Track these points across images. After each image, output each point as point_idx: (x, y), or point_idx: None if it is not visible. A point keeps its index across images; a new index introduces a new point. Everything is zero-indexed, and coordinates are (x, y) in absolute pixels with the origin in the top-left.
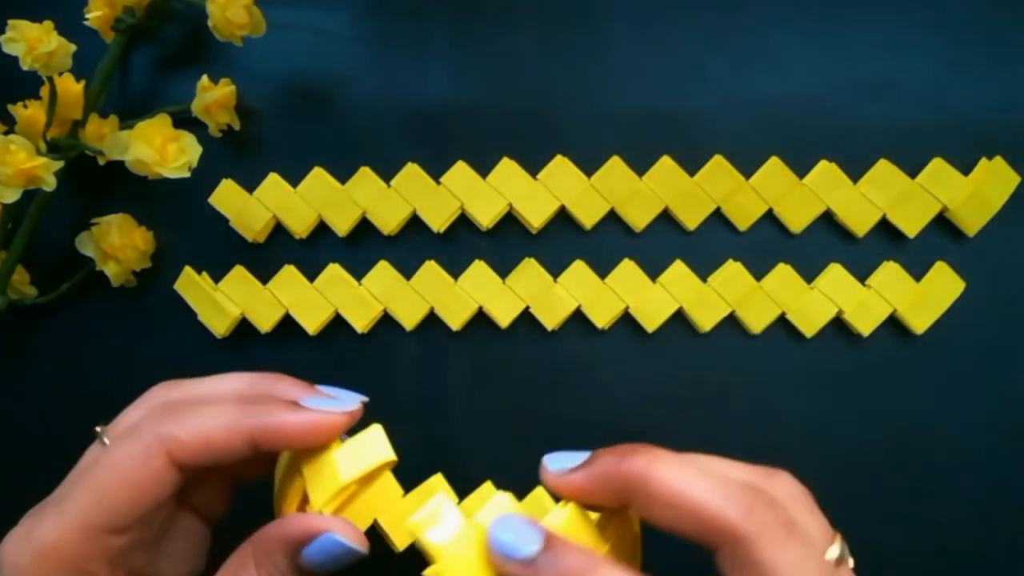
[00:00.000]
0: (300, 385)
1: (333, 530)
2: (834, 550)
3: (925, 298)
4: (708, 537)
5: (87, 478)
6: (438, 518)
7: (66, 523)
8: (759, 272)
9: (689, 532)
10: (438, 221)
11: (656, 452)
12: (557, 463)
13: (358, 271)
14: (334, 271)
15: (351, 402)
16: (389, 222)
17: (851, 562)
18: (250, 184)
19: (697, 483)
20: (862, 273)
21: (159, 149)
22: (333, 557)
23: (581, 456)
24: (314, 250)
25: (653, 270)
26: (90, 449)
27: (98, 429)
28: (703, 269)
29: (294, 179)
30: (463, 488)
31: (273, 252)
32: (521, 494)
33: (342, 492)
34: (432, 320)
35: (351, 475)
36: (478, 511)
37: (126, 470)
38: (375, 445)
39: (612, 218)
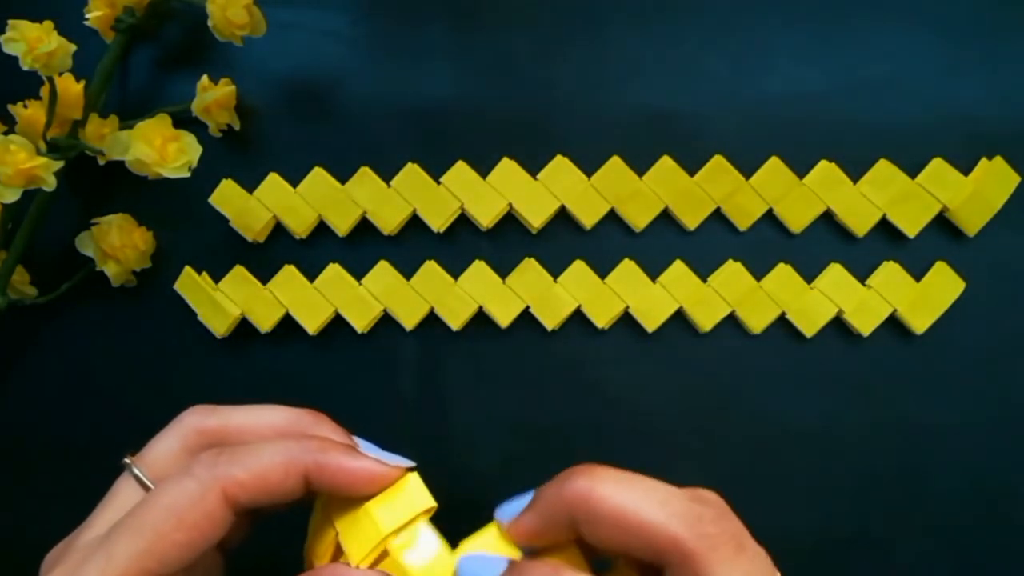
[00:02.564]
0: (342, 430)
1: None
2: None
3: (925, 298)
4: (657, 556)
5: (136, 520)
6: (416, 542)
7: (114, 570)
8: (759, 272)
9: (637, 552)
10: (438, 221)
11: (598, 471)
12: (506, 513)
13: (358, 271)
14: (334, 271)
15: (403, 459)
16: (389, 222)
17: None
18: (250, 184)
19: (642, 500)
20: (862, 273)
21: (159, 149)
22: None
23: (527, 497)
24: (314, 250)
25: (653, 270)
26: (119, 482)
27: (127, 460)
28: (703, 269)
29: (294, 179)
30: (463, 488)
31: (273, 252)
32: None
33: (381, 544)
34: (432, 320)
35: (391, 526)
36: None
37: (182, 512)
38: (414, 494)
39: (612, 218)
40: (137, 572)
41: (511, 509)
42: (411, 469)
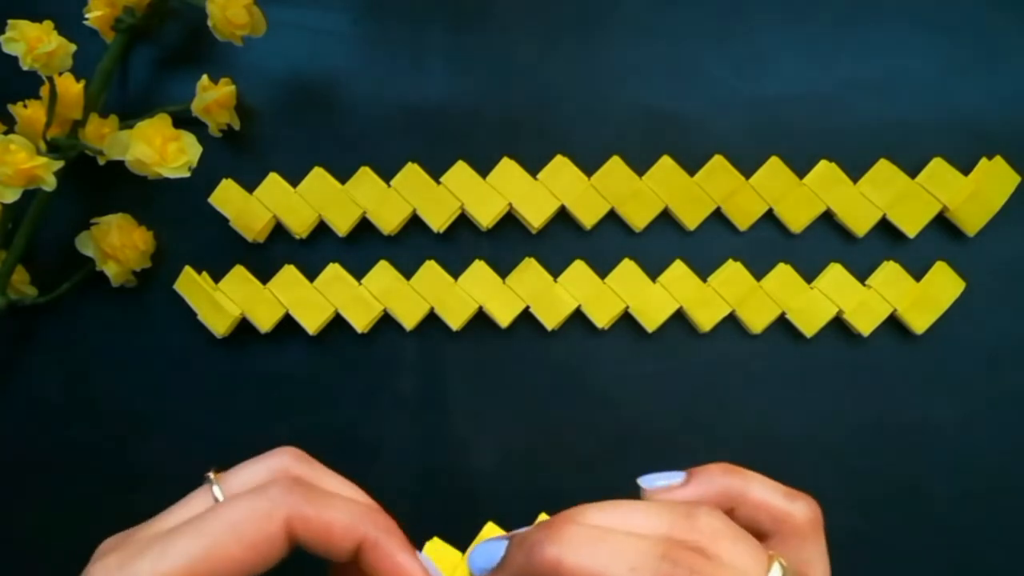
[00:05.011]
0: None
1: None
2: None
3: (925, 298)
4: None
5: (199, 525)
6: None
7: (166, 566)
8: (759, 272)
9: None
10: (438, 221)
11: (566, 534)
12: (477, 563)
13: (358, 271)
14: (334, 271)
15: None
16: (389, 222)
17: None
18: (250, 184)
19: (611, 565)
20: (862, 273)
21: (159, 149)
22: None
23: (498, 551)
24: (314, 250)
25: (653, 270)
26: (196, 493)
27: (210, 476)
28: (703, 269)
29: (294, 179)
30: (463, 487)
31: (273, 252)
32: (522, 494)
33: None
34: (432, 320)
35: None
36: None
37: (244, 527)
38: None
39: (612, 218)
40: (185, 573)
41: (484, 558)
42: None
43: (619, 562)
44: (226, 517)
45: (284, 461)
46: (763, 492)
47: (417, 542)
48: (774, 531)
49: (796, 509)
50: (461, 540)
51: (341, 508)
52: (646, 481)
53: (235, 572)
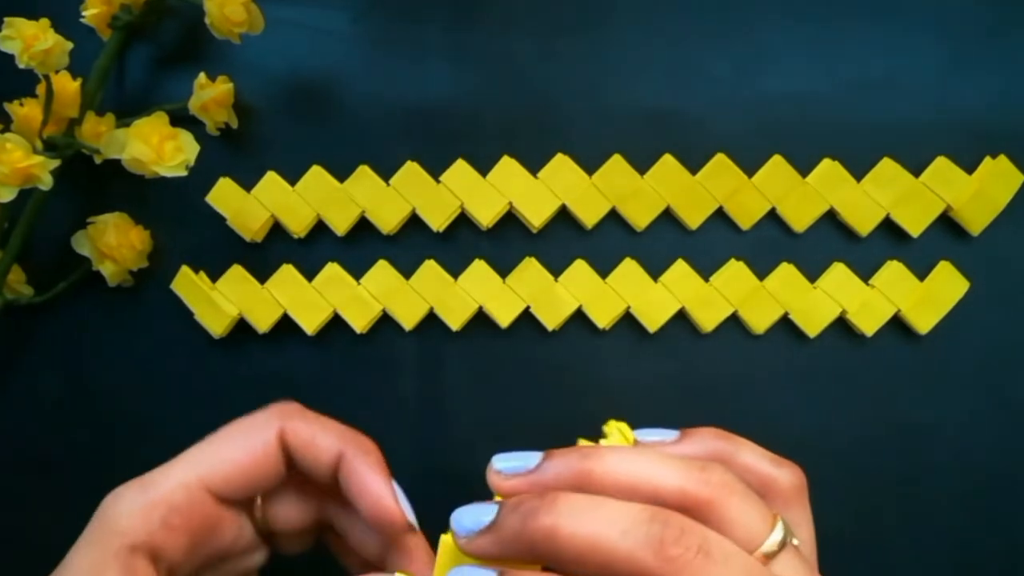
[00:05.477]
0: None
1: None
2: (775, 536)
3: (929, 298)
4: None
5: (207, 442)
6: None
7: (175, 470)
8: (762, 272)
9: None
10: (438, 220)
11: (559, 502)
12: (464, 523)
13: (357, 271)
14: (333, 271)
15: (411, 513)
16: (388, 221)
17: (796, 540)
18: (248, 183)
19: (605, 534)
20: (865, 272)
21: (156, 147)
22: None
23: (488, 513)
24: (312, 249)
25: (655, 270)
26: None
27: None
28: (705, 269)
29: (292, 178)
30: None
31: (271, 251)
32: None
33: None
34: (432, 320)
35: None
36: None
37: (243, 434)
38: None
39: (613, 217)
40: (189, 478)
41: (470, 520)
42: (412, 525)
43: (612, 527)
44: (227, 430)
45: (280, 403)
46: (752, 457)
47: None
48: (760, 495)
49: (782, 475)
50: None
51: (328, 426)
52: (641, 434)
53: (239, 479)
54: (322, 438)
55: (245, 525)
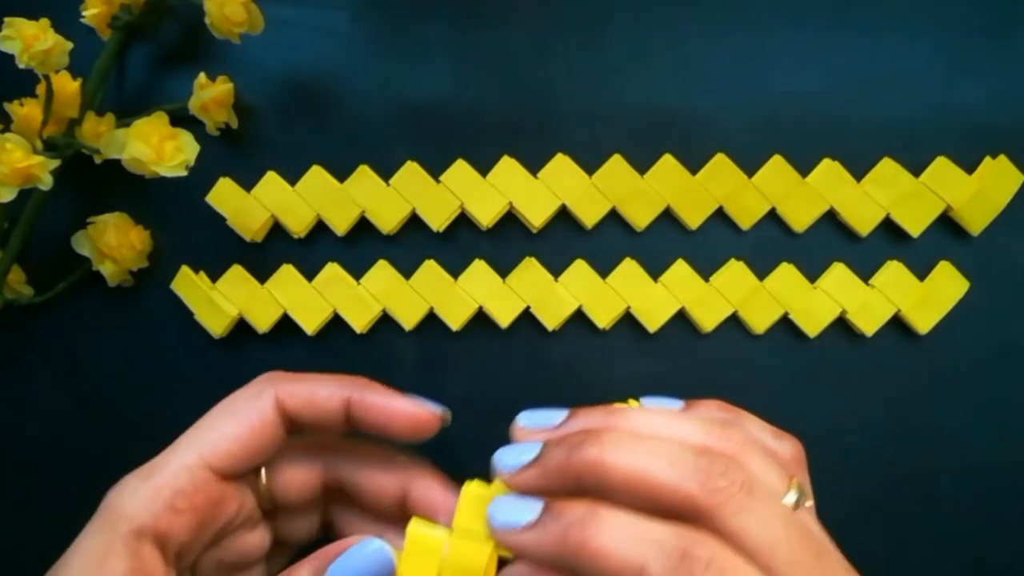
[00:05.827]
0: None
1: (363, 542)
2: (790, 496)
3: (929, 298)
4: (673, 514)
5: (203, 422)
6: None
7: (176, 455)
8: (762, 272)
9: (654, 511)
10: (438, 220)
11: (605, 436)
12: (506, 460)
13: (357, 271)
14: (333, 271)
15: (441, 408)
16: (388, 221)
17: (809, 502)
18: (248, 183)
19: (652, 464)
20: (866, 272)
21: (156, 147)
22: (360, 565)
23: (532, 450)
24: (312, 249)
25: (655, 270)
26: None
27: None
28: (705, 269)
29: (292, 177)
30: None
31: (271, 251)
32: None
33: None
34: (432, 320)
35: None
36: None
37: (237, 408)
38: None
39: (613, 217)
40: (191, 459)
41: (513, 458)
42: (444, 416)
43: (659, 459)
44: (223, 409)
45: (265, 373)
46: (754, 428)
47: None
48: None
49: (783, 447)
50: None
51: (323, 379)
52: (647, 401)
53: (242, 454)
54: (322, 391)
55: (248, 499)
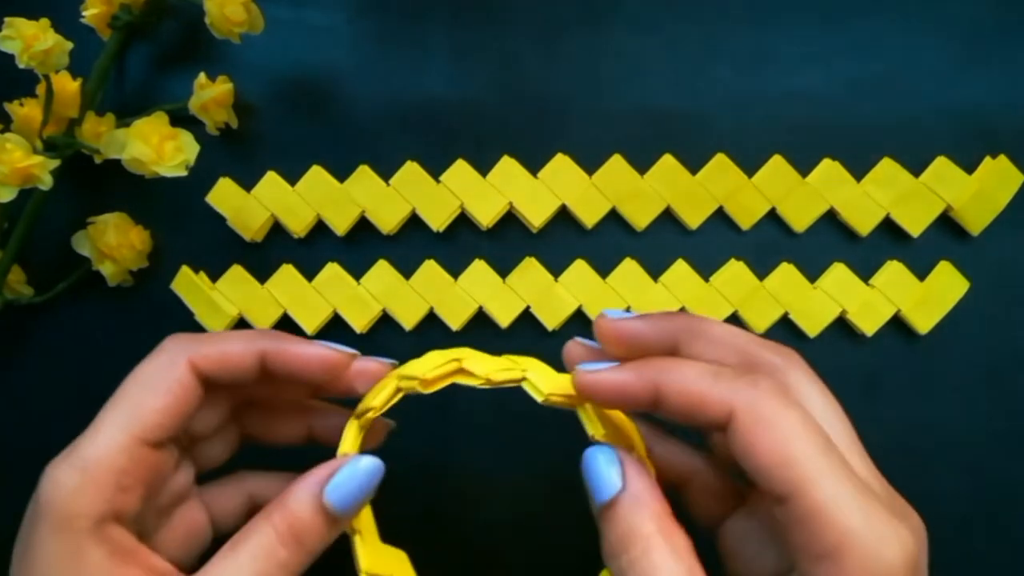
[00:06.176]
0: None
1: (355, 459)
2: None
3: (929, 298)
4: (717, 425)
5: (118, 397)
6: None
7: (105, 438)
8: (762, 272)
9: (703, 424)
10: (438, 220)
11: (665, 364)
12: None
13: (357, 270)
14: (333, 270)
15: (349, 348)
16: (388, 221)
17: None
18: (248, 182)
19: (698, 379)
20: (866, 272)
21: (156, 147)
22: (359, 483)
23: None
24: (312, 249)
25: (655, 270)
26: None
27: None
28: (705, 269)
29: (292, 177)
30: (463, 488)
31: (271, 251)
32: (523, 495)
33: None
34: (432, 320)
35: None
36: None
37: (154, 380)
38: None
39: (613, 217)
40: (123, 439)
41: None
42: (355, 355)
43: (704, 374)
44: (137, 380)
45: (169, 337)
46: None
47: (421, 543)
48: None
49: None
50: (463, 540)
51: (233, 336)
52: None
53: (164, 421)
54: (234, 349)
55: (175, 451)
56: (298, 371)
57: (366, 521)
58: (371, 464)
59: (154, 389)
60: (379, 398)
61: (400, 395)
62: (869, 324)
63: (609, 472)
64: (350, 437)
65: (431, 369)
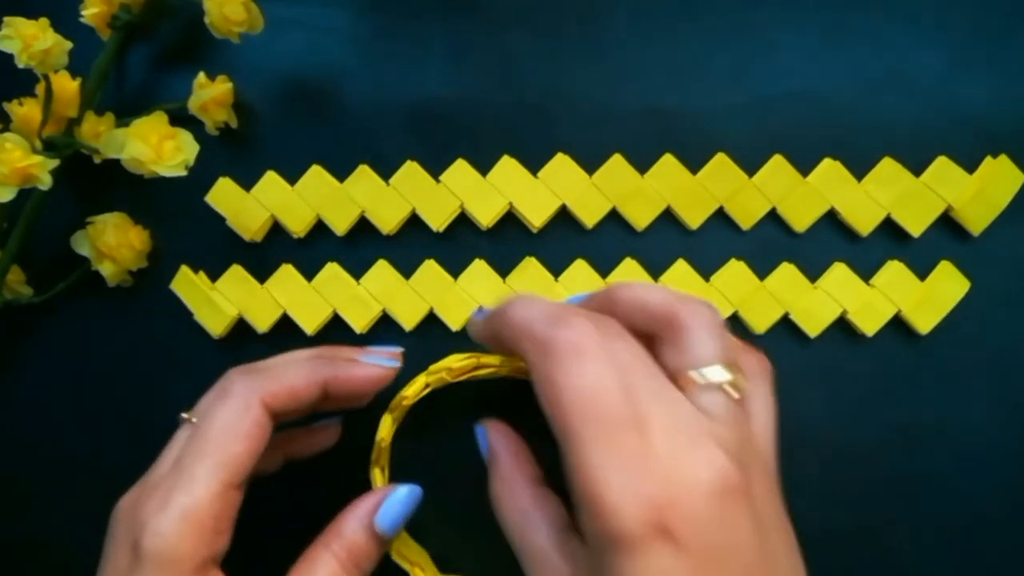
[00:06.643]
0: (354, 349)
1: (396, 489)
2: (712, 372)
3: (930, 298)
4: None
5: (200, 444)
6: None
7: (202, 487)
8: (762, 272)
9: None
10: (438, 220)
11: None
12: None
13: (357, 270)
14: (332, 270)
15: (394, 360)
16: (388, 221)
17: (736, 394)
18: (247, 182)
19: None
20: (866, 272)
21: (155, 147)
22: (402, 508)
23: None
24: (312, 249)
25: (655, 270)
26: (177, 433)
27: (184, 416)
28: (705, 269)
29: (292, 177)
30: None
31: (271, 251)
32: None
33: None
34: (432, 320)
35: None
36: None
37: (236, 425)
38: None
39: (613, 217)
40: (217, 486)
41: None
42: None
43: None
44: (217, 427)
45: (233, 370)
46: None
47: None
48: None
49: (748, 358)
50: (465, 540)
51: (292, 367)
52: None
53: (250, 462)
54: (299, 383)
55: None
56: (355, 392)
57: (418, 554)
58: (412, 490)
59: (236, 435)
60: (411, 390)
61: (428, 389)
62: (870, 324)
63: (483, 447)
64: (385, 427)
65: (455, 362)
